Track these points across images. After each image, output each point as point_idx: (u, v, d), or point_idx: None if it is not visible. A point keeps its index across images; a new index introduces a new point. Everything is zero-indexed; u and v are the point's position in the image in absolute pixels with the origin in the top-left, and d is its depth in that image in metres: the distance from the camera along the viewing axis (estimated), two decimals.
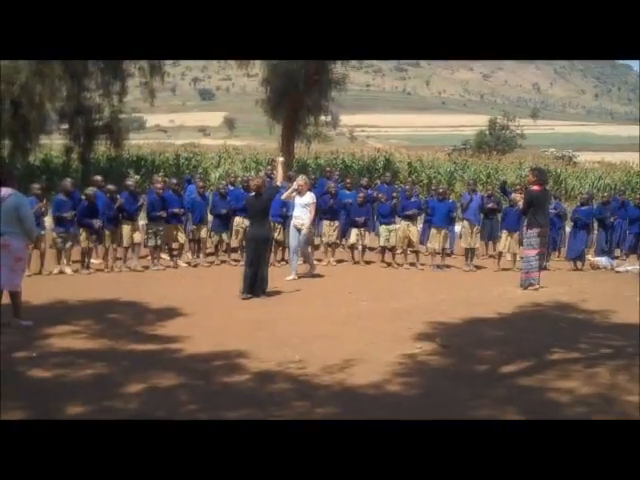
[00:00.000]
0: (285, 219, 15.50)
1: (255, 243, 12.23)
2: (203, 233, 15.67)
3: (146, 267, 14.74)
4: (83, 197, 14.62)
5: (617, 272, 15.92)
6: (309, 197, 14.03)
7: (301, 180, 14.40)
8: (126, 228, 14.60)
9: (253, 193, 12.73)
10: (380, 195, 16.63)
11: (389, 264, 15.94)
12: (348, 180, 18.43)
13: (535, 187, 13.43)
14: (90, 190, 14.56)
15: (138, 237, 14.79)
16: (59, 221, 14.10)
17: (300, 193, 14.06)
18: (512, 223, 15.75)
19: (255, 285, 11.92)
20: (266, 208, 12.45)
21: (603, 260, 16.68)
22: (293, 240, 14.08)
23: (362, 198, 16.38)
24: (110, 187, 14.98)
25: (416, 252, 16.13)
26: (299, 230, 13.93)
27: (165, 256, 15.66)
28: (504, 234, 15.97)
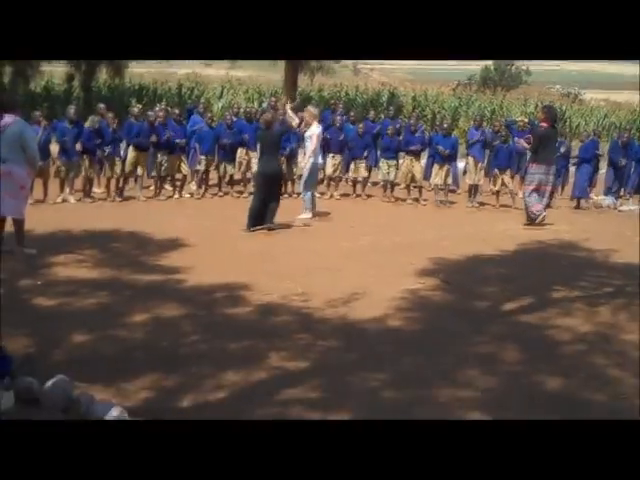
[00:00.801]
0: (290, 153, 15.45)
1: (265, 178, 12.15)
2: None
3: (149, 197, 14.71)
4: (87, 124, 14.51)
5: (620, 211, 15.89)
6: (313, 129, 13.81)
7: (305, 112, 14.27)
8: (131, 156, 14.55)
9: (263, 127, 12.58)
10: (389, 129, 16.42)
11: (396, 199, 15.89)
12: (352, 113, 18.29)
13: (544, 124, 13.40)
14: (95, 118, 14.48)
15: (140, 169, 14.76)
16: (63, 149, 14.04)
17: (305, 125, 13.90)
18: (503, 161, 15.64)
19: (263, 218, 11.86)
20: (277, 142, 12.40)
21: (606, 199, 16.64)
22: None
23: (361, 129, 16.30)
24: (110, 115, 14.90)
25: (419, 187, 16.05)
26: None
27: (169, 187, 15.61)
28: (496, 172, 15.80)
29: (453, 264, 9.71)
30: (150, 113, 15.26)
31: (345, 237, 11.43)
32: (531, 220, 13.04)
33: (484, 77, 62.56)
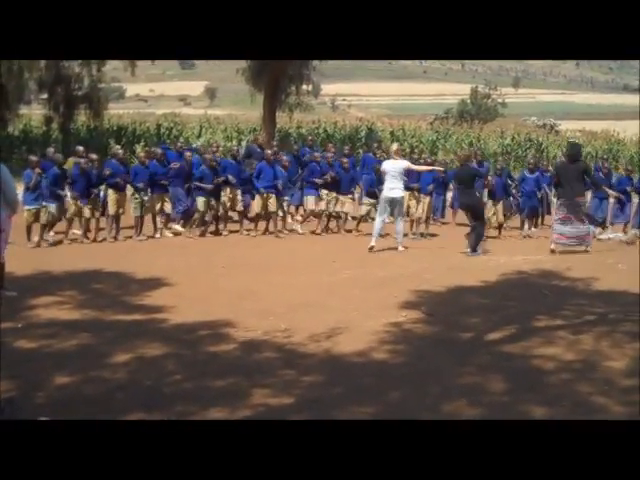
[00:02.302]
0: (277, 189, 15.67)
1: (468, 208, 14.04)
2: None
3: (129, 237, 14.70)
4: (67, 167, 14.66)
5: (599, 240, 16.00)
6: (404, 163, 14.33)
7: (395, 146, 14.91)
8: (112, 197, 14.59)
9: (462, 163, 14.70)
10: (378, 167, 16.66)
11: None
12: (332, 149, 18.58)
13: (563, 160, 14.29)
14: (75, 160, 14.62)
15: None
16: (52, 192, 14.18)
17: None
18: (497, 192, 15.94)
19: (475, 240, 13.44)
20: (472, 177, 13.97)
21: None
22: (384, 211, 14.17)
23: (346, 164, 16.48)
24: (93, 156, 15.01)
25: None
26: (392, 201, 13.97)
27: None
28: (489, 203, 16.12)
29: (436, 296, 9.72)
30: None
31: (327, 272, 11.43)
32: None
33: (461, 110, 63.09)
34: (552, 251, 13.45)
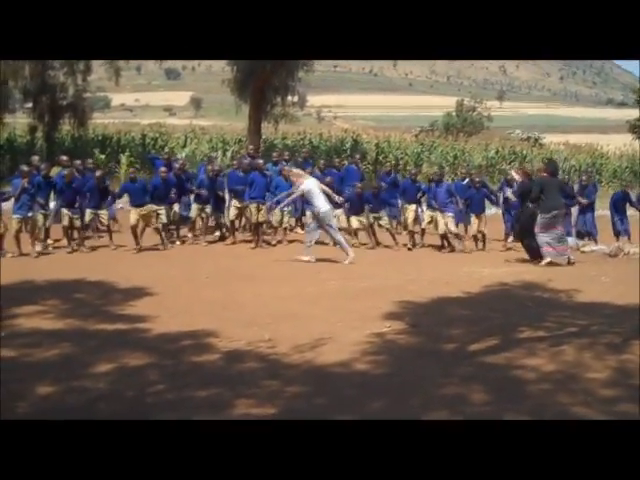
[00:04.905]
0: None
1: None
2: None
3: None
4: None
5: (582, 252, 16.08)
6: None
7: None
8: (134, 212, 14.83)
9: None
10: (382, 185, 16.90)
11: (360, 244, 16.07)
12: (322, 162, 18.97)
13: (544, 174, 14.61)
14: (61, 170, 14.68)
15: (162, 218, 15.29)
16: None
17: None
18: (477, 206, 16.11)
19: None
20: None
21: (569, 240, 16.84)
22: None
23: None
24: (77, 162, 15.22)
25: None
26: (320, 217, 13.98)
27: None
28: (472, 217, 16.26)
29: (419, 307, 9.75)
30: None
31: (311, 283, 11.44)
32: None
33: (446, 123, 63.27)
34: (548, 263, 13.59)
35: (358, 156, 22.23)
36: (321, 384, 6.63)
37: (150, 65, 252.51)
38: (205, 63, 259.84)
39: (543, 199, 13.91)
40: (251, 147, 20.80)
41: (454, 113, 68.48)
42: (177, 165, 16.71)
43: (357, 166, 19.32)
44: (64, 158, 15.94)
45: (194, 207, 15.98)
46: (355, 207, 16.13)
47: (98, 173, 15.13)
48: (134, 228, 14.81)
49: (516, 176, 15.61)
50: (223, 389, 6.43)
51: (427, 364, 7.27)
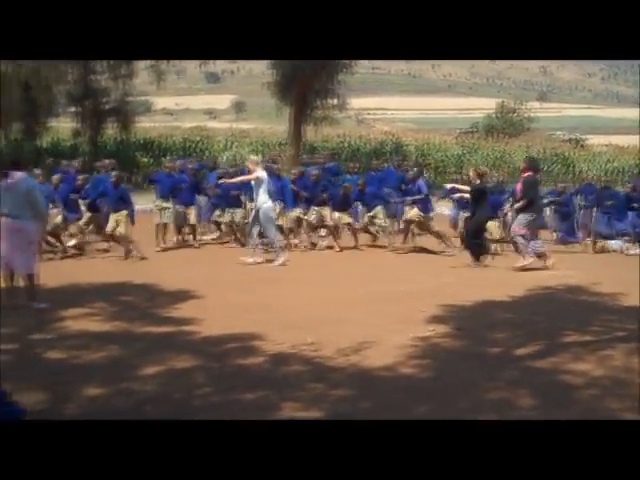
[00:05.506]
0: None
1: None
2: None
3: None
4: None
5: (628, 255, 15.89)
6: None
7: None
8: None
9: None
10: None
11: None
12: (351, 164, 18.96)
13: (529, 173, 14.15)
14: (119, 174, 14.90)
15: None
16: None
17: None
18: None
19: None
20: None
21: (615, 243, 16.67)
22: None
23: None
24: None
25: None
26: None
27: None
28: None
29: (461, 310, 9.71)
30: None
31: (345, 286, 11.50)
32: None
33: (487, 125, 62.87)
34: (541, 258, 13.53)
35: (399, 158, 22.17)
36: (366, 387, 6.64)
37: (190, 69, 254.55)
38: (246, 67, 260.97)
39: (533, 201, 13.72)
40: (275, 154, 21.02)
41: (495, 115, 67.98)
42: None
43: (396, 168, 19.25)
44: (107, 162, 16.27)
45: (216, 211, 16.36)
46: (339, 203, 16.11)
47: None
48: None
49: (472, 175, 15.13)
50: (269, 392, 6.45)
51: (472, 368, 7.25)
